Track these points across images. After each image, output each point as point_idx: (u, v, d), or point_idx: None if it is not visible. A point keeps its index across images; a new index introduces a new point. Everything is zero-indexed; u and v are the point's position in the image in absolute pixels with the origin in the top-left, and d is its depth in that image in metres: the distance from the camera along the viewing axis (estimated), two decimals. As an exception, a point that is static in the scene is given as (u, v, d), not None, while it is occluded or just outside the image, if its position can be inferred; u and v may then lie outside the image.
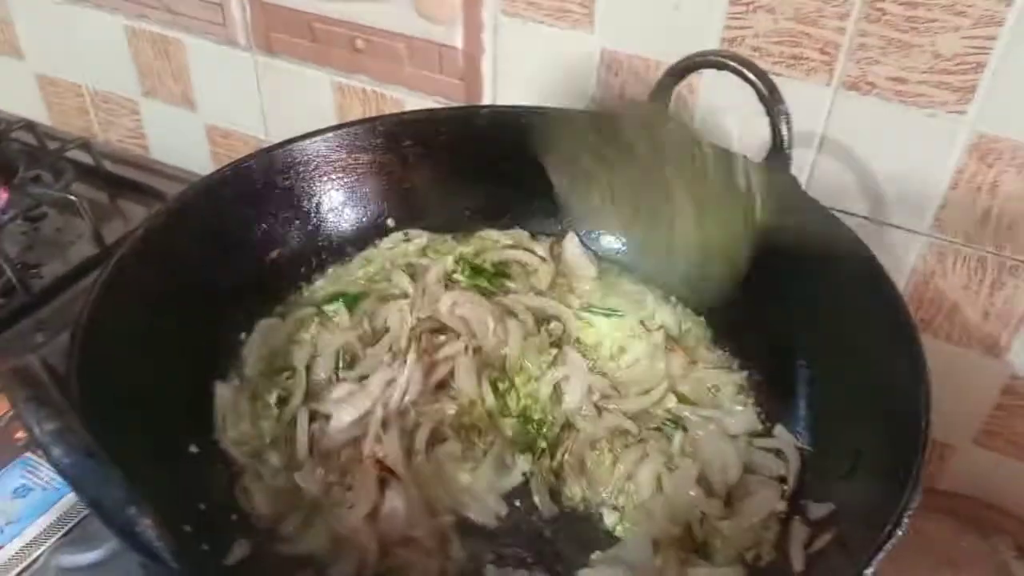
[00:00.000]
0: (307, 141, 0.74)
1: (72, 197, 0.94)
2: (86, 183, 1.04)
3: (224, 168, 0.71)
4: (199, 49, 1.08)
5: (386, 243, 0.79)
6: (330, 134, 0.75)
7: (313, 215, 0.76)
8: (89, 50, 1.18)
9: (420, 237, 0.80)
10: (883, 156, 0.76)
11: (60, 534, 0.65)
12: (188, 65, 1.11)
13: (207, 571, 0.53)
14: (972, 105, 0.70)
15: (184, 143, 1.19)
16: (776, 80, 0.76)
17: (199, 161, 1.16)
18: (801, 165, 0.80)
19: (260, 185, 0.72)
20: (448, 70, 0.93)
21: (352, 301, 0.74)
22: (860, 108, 0.75)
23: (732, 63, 0.67)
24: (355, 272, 0.78)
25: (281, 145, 0.73)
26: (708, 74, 0.77)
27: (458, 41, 0.90)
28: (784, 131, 0.66)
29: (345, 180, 0.77)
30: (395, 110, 0.99)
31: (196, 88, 1.13)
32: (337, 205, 0.77)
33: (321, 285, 0.77)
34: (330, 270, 0.78)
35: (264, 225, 0.73)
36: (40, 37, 1.21)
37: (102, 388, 0.52)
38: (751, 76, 0.66)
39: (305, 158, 0.74)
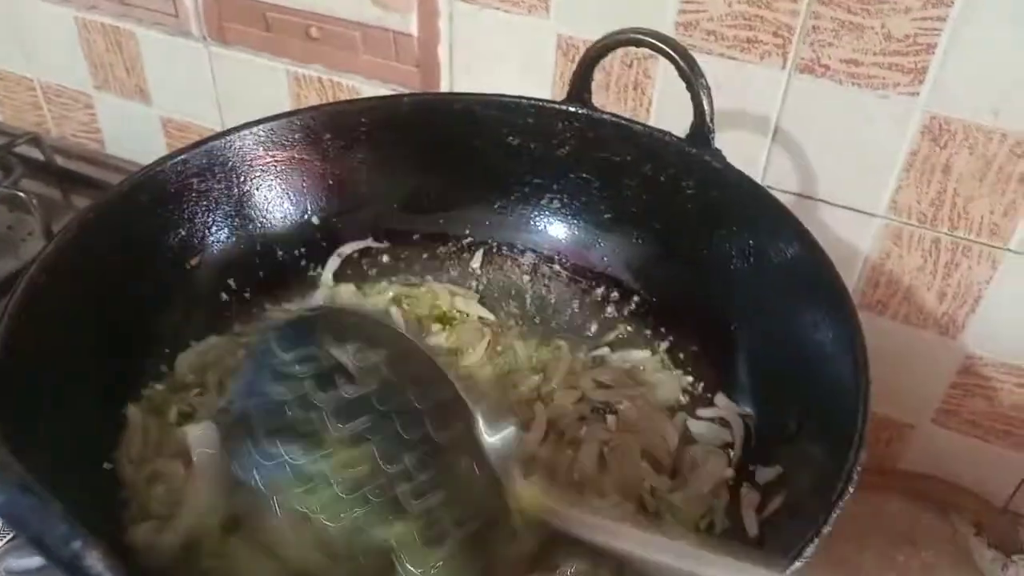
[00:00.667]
0: (222, 140, 0.70)
1: (21, 193, 0.92)
2: (37, 179, 1.02)
3: (137, 173, 0.67)
4: (152, 40, 1.06)
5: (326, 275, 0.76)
6: (246, 131, 0.71)
7: (232, 217, 0.72)
8: (39, 43, 1.15)
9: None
10: (838, 139, 0.77)
11: (6, 539, 0.63)
12: (141, 57, 1.09)
13: None
14: (924, 86, 0.71)
15: (139, 136, 1.16)
16: (731, 64, 0.77)
17: (155, 154, 1.12)
18: (756, 149, 0.80)
19: (174, 189, 0.68)
20: (404, 58, 0.92)
21: None
22: (814, 91, 0.75)
23: (649, 39, 0.66)
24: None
25: (196, 145, 0.70)
26: (665, 61, 0.77)
27: (414, 29, 0.89)
28: (706, 105, 0.66)
29: (264, 179, 0.73)
30: (351, 99, 0.98)
31: (150, 80, 1.11)
32: (257, 205, 0.73)
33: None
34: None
35: (181, 231, 0.69)
36: (-12, 31, 1.19)
37: (21, 412, 0.50)
38: (669, 51, 0.65)
39: (222, 158, 0.70)
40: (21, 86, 1.22)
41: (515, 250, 0.80)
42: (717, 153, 0.67)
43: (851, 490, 0.45)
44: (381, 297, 0.76)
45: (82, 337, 0.59)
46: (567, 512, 0.51)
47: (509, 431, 0.52)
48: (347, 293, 0.76)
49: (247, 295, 0.72)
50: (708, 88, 0.65)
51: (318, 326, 0.55)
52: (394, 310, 0.75)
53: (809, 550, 0.43)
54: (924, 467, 0.89)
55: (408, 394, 0.51)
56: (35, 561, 0.62)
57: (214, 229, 0.71)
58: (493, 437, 0.52)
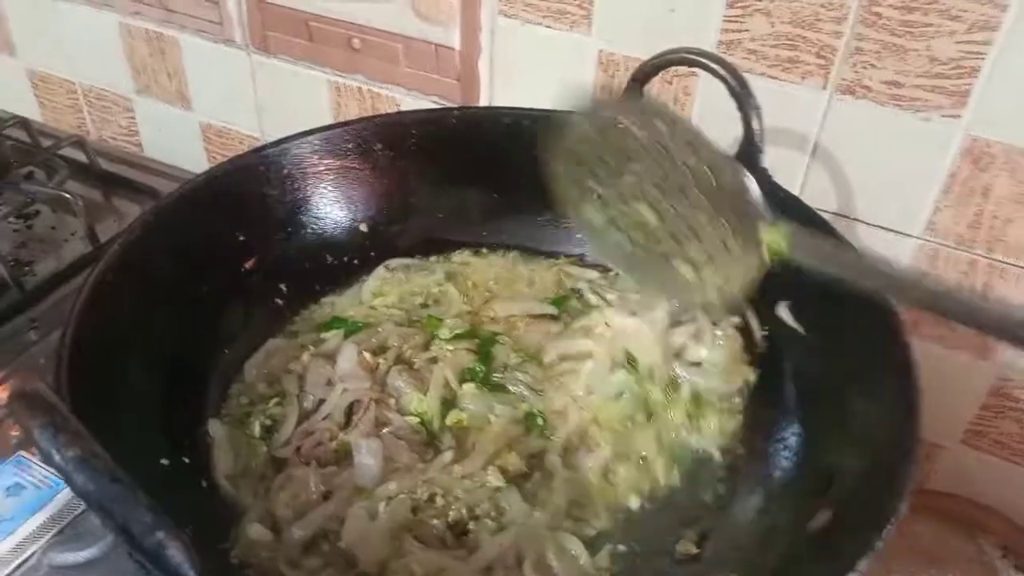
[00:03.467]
0: (278, 147, 0.73)
1: (66, 194, 0.93)
2: (80, 181, 1.03)
3: (198, 177, 0.70)
4: (194, 47, 1.08)
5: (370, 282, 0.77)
6: (301, 139, 0.73)
7: (286, 223, 0.74)
8: (82, 47, 1.17)
9: (400, 271, 0.78)
10: (877, 160, 0.77)
11: (53, 532, 0.65)
12: (183, 63, 1.10)
13: None
14: (966, 109, 0.71)
15: (178, 142, 1.18)
16: (772, 84, 0.78)
17: (193, 160, 1.16)
18: (795, 168, 0.81)
19: (233, 193, 0.70)
20: (445, 71, 0.93)
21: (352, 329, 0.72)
22: (855, 112, 0.76)
23: (702, 59, 0.67)
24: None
25: (254, 152, 0.72)
26: (704, 77, 0.78)
27: (455, 42, 0.91)
28: (756, 125, 0.66)
29: (317, 186, 0.75)
30: (391, 110, 0.99)
31: (191, 86, 1.12)
32: (309, 211, 0.76)
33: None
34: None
35: (239, 235, 0.71)
36: (33, 34, 1.21)
37: (95, 409, 0.50)
38: (721, 71, 0.66)
39: (276, 165, 0.73)
40: (62, 89, 1.24)
41: (559, 260, 0.81)
42: (764, 172, 0.68)
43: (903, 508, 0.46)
44: (432, 278, 0.78)
45: (148, 336, 0.60)
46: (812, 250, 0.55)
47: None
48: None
49: (300, 297, 0.74)
50: (758, 108, 0.66)
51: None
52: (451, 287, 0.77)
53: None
54: (952, 487, 0.89)
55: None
56: (80, 555, 0.63)
57: (268, 233, 0.73)
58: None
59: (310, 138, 0.74)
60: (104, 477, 0.38)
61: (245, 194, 0.71)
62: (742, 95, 0.65)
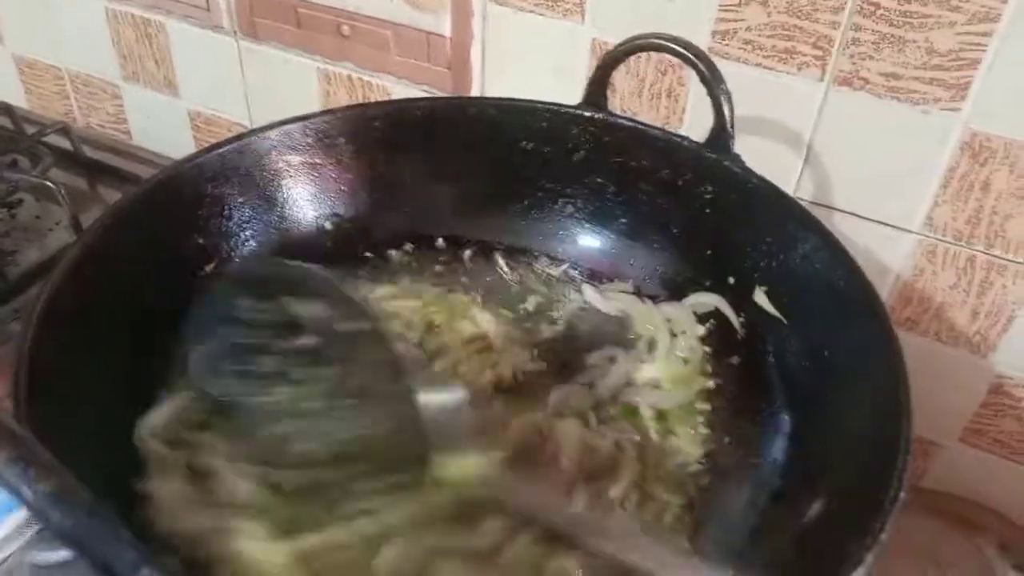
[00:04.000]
0: (236, 144, 0.70)
1: (50, 183, 0.92)
2: (65, 169, 1.02)
3: (151, 179, 0.67)
4: (182, 33, 1.06)
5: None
6: (259, 136, 0.70)
7: (247, 223, 0.71)
8: (69, 33, 1.15)
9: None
10: (875, 153, 0.76)
11: (32, 531, 0.64)
12: (171, 50, 1.09)
13: None
14: (966, 102, 0.70)
15: (166, 129, 1.17)
16: (768, 75, 0.76)
17: (181, 147, 1.14)
18: (791, 160, 0.79)
19: (189, 194, 0.67)
20: (436, 59, 0.91)
21: None
22: (852, 104, 0.74)
23: (670, 44, 0.66)
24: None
25: (210, 149, 0.69)
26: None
27: (446, 29, 0.89)
28: (726, 110, 0.65)
29: (278, 184, 0.72)
30: (382, 99, 0.97)
31: (179, 73, 1.11)
32: (270, 210, 0.72)
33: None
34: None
35: (198, 238, 0.68)
36: (19, 19, 1.19)
37: (51, 429, 0.47)
38: (689, 56, 0.65)
39: (234, 163, 0.70)
40: (49, 75, 1.22)
41: (529, 255, 0.78)
42: (736, 158, 0.67)
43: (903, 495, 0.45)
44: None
45: (108, 343, 0.58)
46: (507, 492, 0.51)
47: (453, 396, 0.53)
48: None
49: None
50: (728, 93, 0.64)
51: (271, 278, 0.58)
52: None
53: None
54: (950, 486, 0.88)
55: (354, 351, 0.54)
56: (60, 555, 0.62)
57: (228, 235, 0.70)
58: (431, 396, 0.52)
59: (268, 134, 0.70)
60: (81, 512, 0.35)
61: (201, 195, 0.68)
62: (711, 80, 0.64)
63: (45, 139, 1.03)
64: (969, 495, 0.88)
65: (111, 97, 1.19)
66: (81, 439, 0.51)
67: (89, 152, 1.05)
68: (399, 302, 0.72)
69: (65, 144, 1.04)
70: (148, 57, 1.11)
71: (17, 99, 1.22)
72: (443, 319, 0.71)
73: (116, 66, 1.15)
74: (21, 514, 0.63)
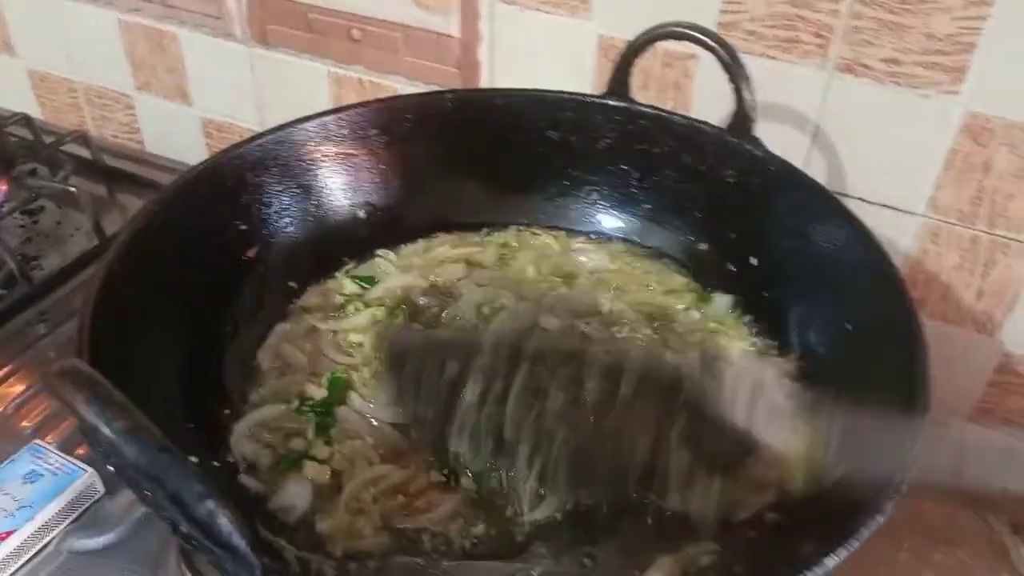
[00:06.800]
0: (274, 136, 0.73)
1: (72, 188, 0.94)
2: (84, 176, 1.03)
3: (196, 167, 0.70)
4: (194, 42, 1.08)
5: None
6: (295, 127, 0.73)
7: (285, 211, 0.74)
8: (82, 45, 1.18)
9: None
10: (878, 138, 0.78)
11: (71, 519, 0.65)
12: (183, 59, 1.11)
13: (283, 564, 0.51)
14: (965, 85, 0.72)
15: (179, 137, 1.19)
16: (771, 64, 0.78)
17: (195, 156, 1.15)
18: (796, 147, 0.81)
19: (231, 183, 0.70)
20: (445, 59, 0.93)
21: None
22: (855, 90, 0.76)
23: (690, 32, 0.68)
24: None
25: (251, 141, 0.72)
26: (703, 60, 0.79)
27: (455, 30, 0.91)
28: (747, 95, 0.67)
29: (314, 173, 0.75)
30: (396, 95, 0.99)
31: (191, 82, 1.13)
32: (308, 199, 0.75)
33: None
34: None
35: (240, 224, 0.71)
36: (32, 32, 1.21)
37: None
38: (710, 43, 0.67)
39: (273, 153, 0.73)
40: (62, 87, 1.24)
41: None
42: (757, 141, 0.69)
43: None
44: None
45: (160, 324, 0.61)
46: None
47: None
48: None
49: (306, 281, 0.74)
50: (748, 78, 0.67)
51: None
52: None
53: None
54: (961, 466, 0.89)
55: None
56: (98, 541, 0.64)
57: (268, 221, 0.73)
58: None
59: (305, 125, 0.73)
60: (153, 447, 0.38)
61: (243, 183, 0.71)
62: (732, 66, 0.66)
63: (64, 148, 1.05)
64: (980, 475, 0.89)
65: (124, 107, 1.21)
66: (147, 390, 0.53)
67: (107, 160, 1.07)
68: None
69: (84, 153, 1.06)
70: (161, 67, 1.13)
71: (31, 112, 1.24)
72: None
73: (129, 77, 1.17)
74: (58, 504, 0.65)
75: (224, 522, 0.38)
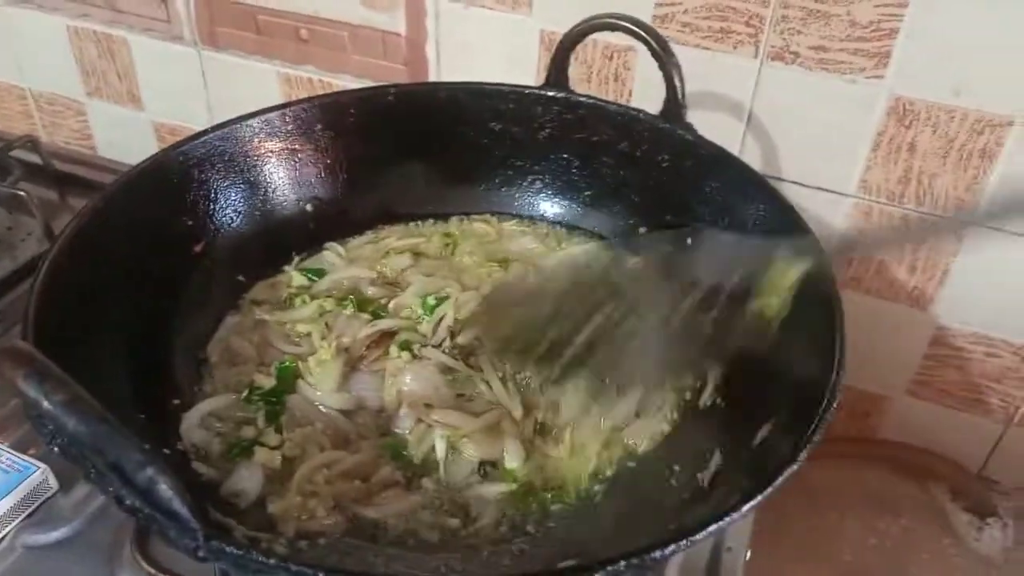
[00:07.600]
0: (219, 132, 0.73)
1: (21, 193, 0.94)
2: (34, 181, 1.03)
3: (140, 164, 0.70)
4: (144, 46, 1.09)
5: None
6: (241, 123, 0.74)
7: (231, 206, 0.75)
8: (31, 52, 1.17)
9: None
10: (809, 123, 0.81)
11: (24, 515, 0.66)
12: (133, 63, 1.11)
13: (224, 528, 0.51)
14: (888, 70, 0.75)
15: (131, 142, 1.19)
16: (706, 55, 0.81)
17: (148, 159, 1.16)
18: (732, 135, 0.84)
19: (176, 178, 0.71)
20: (392, 56, 0.95)
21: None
22: (785, 77, 0.79)
23: (623, 23, 0.71)
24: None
25: (194, 137, 0.73)
26: (643, 52, 0.81)
27: (401, 28, 0.93)
28: (677, 82, 0.70)
29: (260, 168, 0.76)
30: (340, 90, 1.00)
31: (142, 86, 1.13)
32: (253, 194, 0.76)
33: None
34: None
35: (186, 219, 0.72)
36: (-20, 41, 1.21)
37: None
38: (642, 33, 0.70)
39: (219, 149, 0.73)
40: (12, 95, 1.24)
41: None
42: (689, 126, 0.71)
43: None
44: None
45: (108, 315, 0.61)
46: None
47: None
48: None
49: (255, 275, 0.75)
50: (678, 66, 0.69)
51: None
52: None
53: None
54: (901, 437, 0.93)
55: None
56: (51, 536, 0.64)
57: (214, 217, 0.73)
58: None
59: (250, 122, 0.74)
60: (93, 418, 0.39)
61: (188, 179, 0.71)
62: (661, 54, 0.69)
63: (12, 153, 1.04)
64: (920, 445, 0.93)
65: (75, 114, 1.21)
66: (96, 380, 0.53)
67: (58, 165, 1.07)
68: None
69: (34, 158, 1.05)
70: (111, 72, 1.13)
71: (-19, 121, 1.24)
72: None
73: (79, 83, 1.17)
74: (10, 501, 0.65)
75: (163, 488, 0.39)
